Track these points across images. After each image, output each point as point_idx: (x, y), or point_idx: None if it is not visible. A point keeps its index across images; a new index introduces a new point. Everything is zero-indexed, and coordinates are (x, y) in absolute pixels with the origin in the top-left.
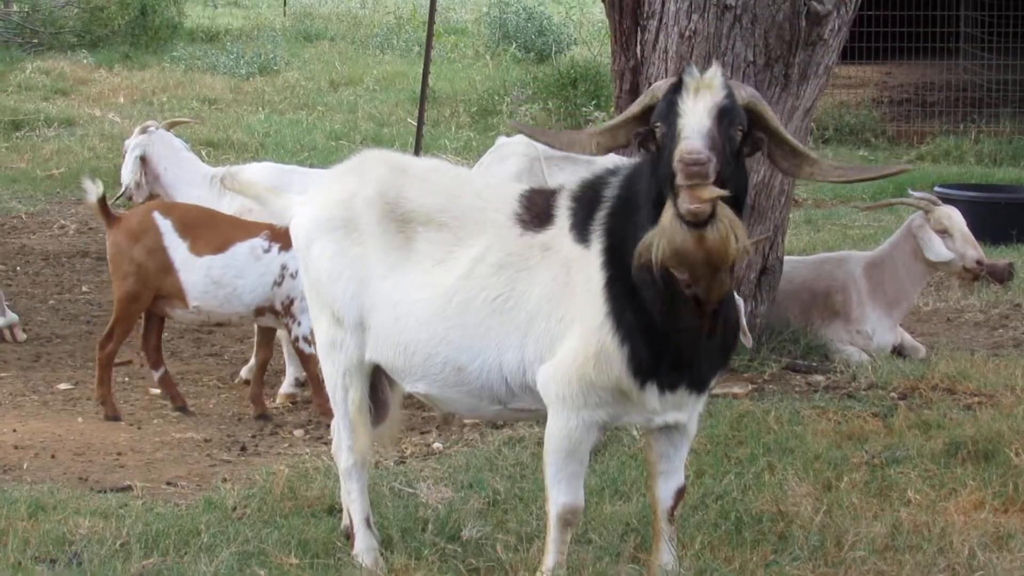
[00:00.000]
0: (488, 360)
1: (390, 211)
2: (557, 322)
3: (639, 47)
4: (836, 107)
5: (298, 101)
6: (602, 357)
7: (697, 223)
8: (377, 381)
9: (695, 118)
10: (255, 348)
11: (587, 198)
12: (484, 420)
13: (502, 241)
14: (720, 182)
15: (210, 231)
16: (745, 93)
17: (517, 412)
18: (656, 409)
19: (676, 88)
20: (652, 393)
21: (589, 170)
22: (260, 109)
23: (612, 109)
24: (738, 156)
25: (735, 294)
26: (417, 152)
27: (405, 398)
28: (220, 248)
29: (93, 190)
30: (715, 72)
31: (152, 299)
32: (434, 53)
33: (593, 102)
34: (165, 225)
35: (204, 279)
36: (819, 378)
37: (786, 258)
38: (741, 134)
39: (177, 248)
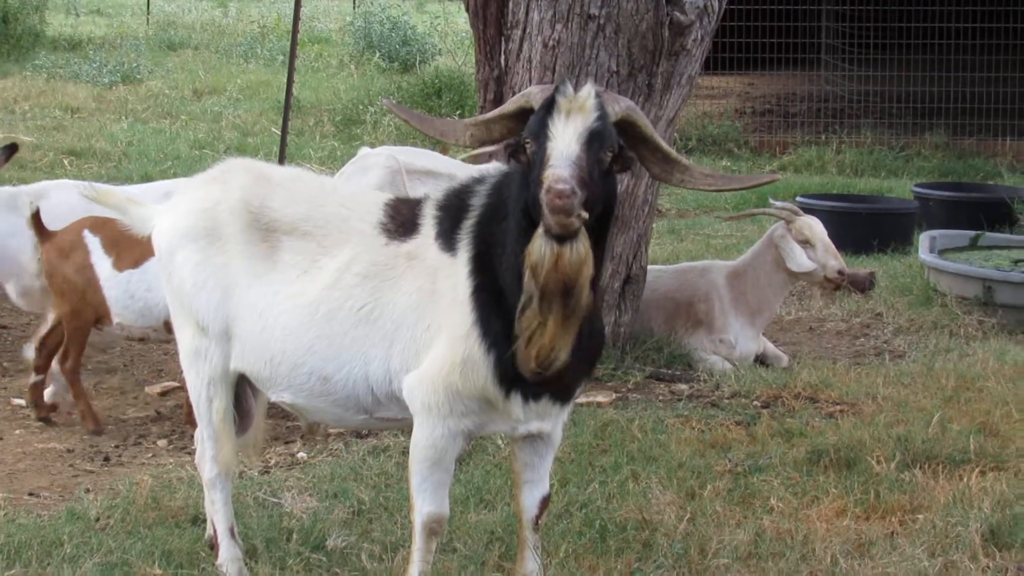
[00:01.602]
0: (354, 370)
1: (254, 220)
2: (423, 331)
3: (503, 57)
4: (699, 117)
5: (161, 110)
6: (468, 365)
7: (563, 238)
8: (241, 390)
9: (564, 144)
10: None
11: (453, 207)
12: (350, 429)
13: (367, 250)
14: (588, 204)
15: (132, 245)
16: (619, 107)
17: (383, 421)
18: (520, 418)
19: (549, 107)
20: (517, 402)
21: (447, 183)
22: (123, 118)
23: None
24: (608, 175)
25: (600, 302)
26: (281, 161)
27: (269, 407)
28: (137, 262)
29: (27, 205)
30: (588, 93)
31: (94, 317)
32: (298, 62)
33: (458, 112)
34: (94, 243)
35: (123, 294)
36: (683, 387)
37: (649, 267)
38: (611, 155)
39: (103, 265)
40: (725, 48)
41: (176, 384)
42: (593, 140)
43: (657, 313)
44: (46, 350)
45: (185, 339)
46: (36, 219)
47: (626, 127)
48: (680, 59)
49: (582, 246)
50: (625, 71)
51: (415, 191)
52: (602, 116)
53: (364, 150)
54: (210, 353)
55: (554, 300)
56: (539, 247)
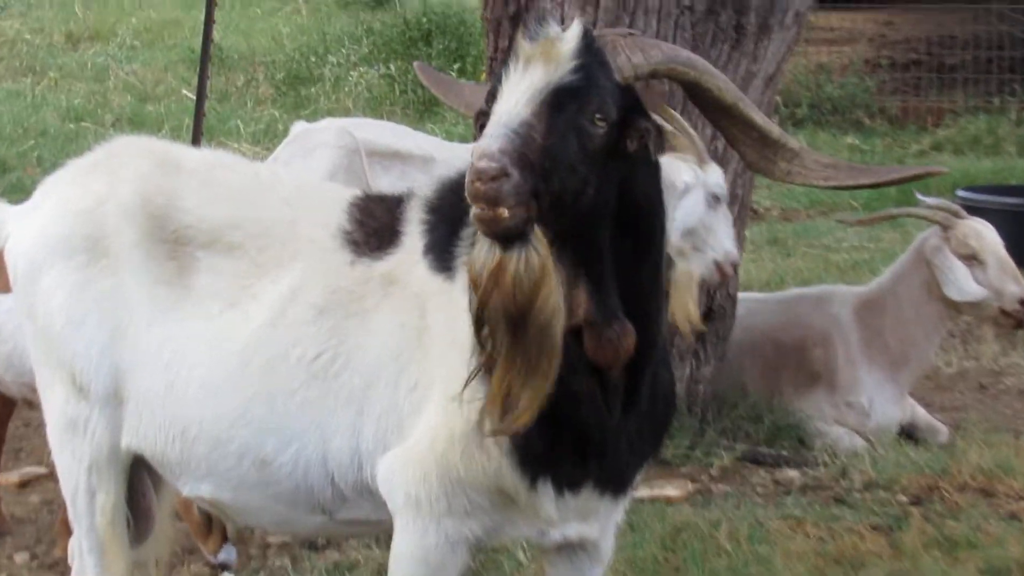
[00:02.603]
0: (306, 449)
1: (157, 227)
2: (408, 391)
3: None
4: (812, 73)
5: (20, 63)
6: (474, 439)
7: (494, 236)
8: (138, 480)
9: (506, 105)
10: None
11: (448, 207)
12: (299, 538)
13: (325, 271)
14: (555, 194)
15: None
16: (644, 57)
17: (349, 525)
18: (552, 518)
19: (507, 55)
20: (547, 494)
21: (428, 171)
22: None
23: (483, 75)
24: (613, 155)
25: (664, 348)
26: (196, 140)
27: (180, 504)
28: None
29: None
30: (558, 32)
31: None
32: None
33: (456, 65)
34: None
35: None
36: (792, 473)
37: (742, 296)
38: (604, 125)
39: None
40: None
41: (42, 470)
42: (561, 100)
43: (753, 363)
44: None
45: (55, 403)
46: None
47: (692, 91)
48: None
49: (535, 255)
50: (703, 5)
51: (376, 181)
52: (585, 67)
53: (300, 126)
54: (91, 424)
55: (499, 329)
56: (479, 254)
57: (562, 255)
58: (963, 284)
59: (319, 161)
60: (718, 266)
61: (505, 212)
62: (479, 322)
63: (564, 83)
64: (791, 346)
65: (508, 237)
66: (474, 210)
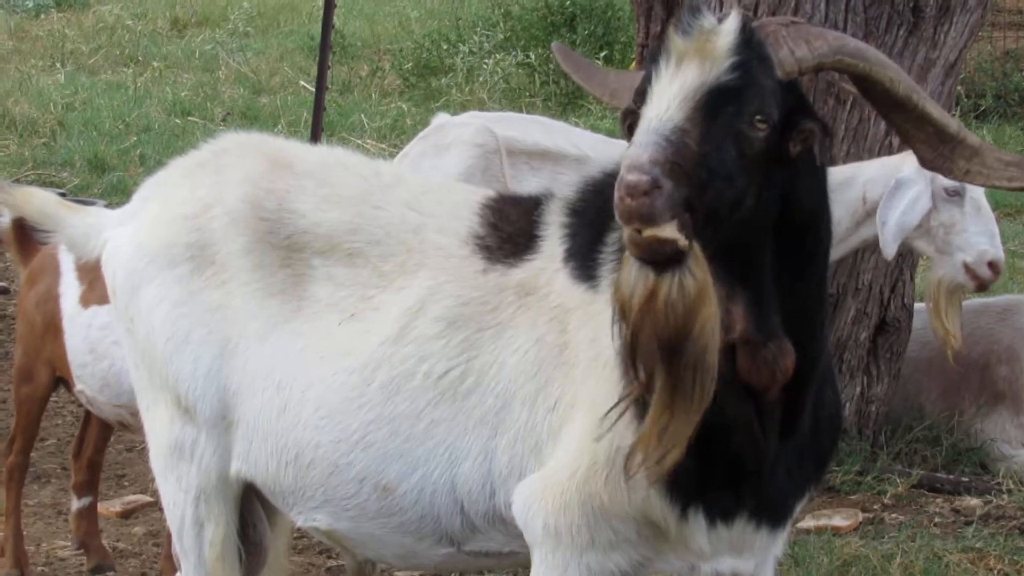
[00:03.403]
0: (433, 474)
1: (268, 233)
2: (547, 411)
3: None
4: (999, 60)
5: (121, 53)
6: (619, 466)
7: (648, 260)
8: (249, 510)
9: (657, 109)
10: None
11: (592, 211)
12: (425, 571)
13: (454, 280)
14: (708, 208)
15: None
16: (808, 50)
17: (478, 558)
18: (704, 551)
19: (657, 51)
20: (698, 525)
21: (580, 172)
22: (58, 65)
23: (633, 64)
24: (774, 160)
25: (828, 367)
26: (315, 136)
27: (296, 537)
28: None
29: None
30: (726, 26)
31: (52, 379)
32: None
33: (603, 53)
34: (67, 263)
35: (82, 343)
36: (973, 502)
37: (919, 307)
38: (764, 129)
39: (69, 297)
40: None
41: (147, 499)
42: (718, 103)
43: (931, 381)
44: (86, 456)
45: (158, 426)
46: (17, 228)
47: (862, 83)
48: None
49: (691, 279)
50: None
51: (521, 182)
52: (743, 64)
53: (441, 118)
54: (198, 449)
55: (651, 358)
56: (628, 277)
57: (719, 269)
58: None
59: (452, 161)
60: (968, 269)
61: (669, 231)
62: (629, 350)
63: (721, 83)
64: (973, 362)
65: (664, 262)
66: (627, 232)
